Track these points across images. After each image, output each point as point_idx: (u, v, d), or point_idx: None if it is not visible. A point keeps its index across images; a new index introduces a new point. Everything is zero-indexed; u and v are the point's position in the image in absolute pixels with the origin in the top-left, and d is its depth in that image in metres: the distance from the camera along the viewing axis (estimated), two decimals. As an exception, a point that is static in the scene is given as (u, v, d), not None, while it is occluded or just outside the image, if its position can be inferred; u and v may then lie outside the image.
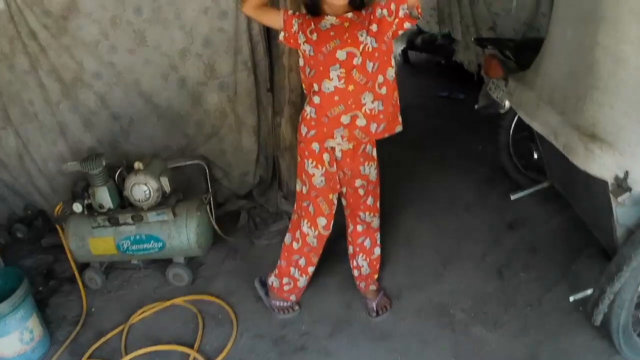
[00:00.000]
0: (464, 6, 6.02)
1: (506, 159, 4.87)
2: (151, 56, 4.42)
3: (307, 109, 3.27)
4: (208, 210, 4.24)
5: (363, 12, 3.15)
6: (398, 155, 5.25)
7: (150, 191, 3.91)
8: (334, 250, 4.01)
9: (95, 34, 4.28)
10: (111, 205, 4.01)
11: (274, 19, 3.25)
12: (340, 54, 3.08)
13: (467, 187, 5.12)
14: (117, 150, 4.65)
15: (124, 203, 4.08)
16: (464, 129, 6.22)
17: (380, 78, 3.15)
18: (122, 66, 4.42)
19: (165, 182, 3.98)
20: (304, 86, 3.37)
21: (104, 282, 4.30)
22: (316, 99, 3.19)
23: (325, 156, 3.33)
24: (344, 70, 3.09)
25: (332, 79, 3.11)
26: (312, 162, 3.34)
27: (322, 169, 3.35)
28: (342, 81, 3.10)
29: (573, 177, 3.19)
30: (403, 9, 3.02)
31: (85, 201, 4.02)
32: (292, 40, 3.23)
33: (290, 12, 3.23)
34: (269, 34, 4.51)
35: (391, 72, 3.20)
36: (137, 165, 3.91)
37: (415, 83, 7.83)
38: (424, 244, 4.39)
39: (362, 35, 3.07)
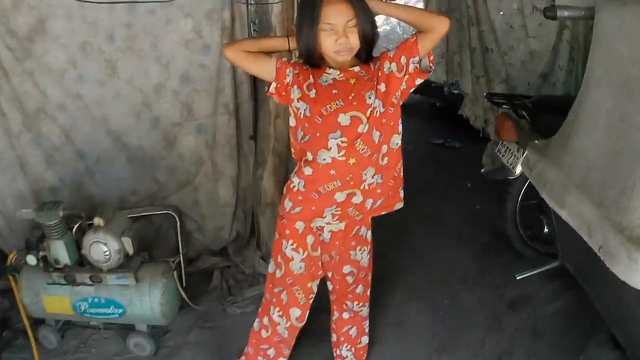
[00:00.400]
0: (476, 55, 5.45)
1: (511, 229, 4.37)
2: (122, 90, 3.93)
3: (295, 180, 2.75)
4: (175, 275, 3.73)
5: (371, 65, 2.65)
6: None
7: (110, 252, 3.43)
8: (314, 326, 3.50)
9: (63, 61, 3.80)
10: (68, 262, 3.52)
11: (263, 67, 2.69)
12: (343, 119, 2.57)
13: (464, 256, 4.63)
14: (81, 192, 4.16)
15: (82, 260, 3.61)
16: (459, 182, 5.74)
17: (384, 148, 2.67)
18: (90, 99, 3.93)
19: (127, 242, 3.48)
20: (292, 151, 2.86)
21: (60, 342, 3.81)
22: (307, 170, 2.67)
23: (310, 239, 2.82)
24: (346, 139, 2.57)
25: (331, 148, 2.59)
26: (292, 244, 2.82)
27: (303, 253, 2.83)
28: (343, 152, 2.58)
29: (595, 268, 2.67)
30: (413, 63, 2.56)
31: (41, 253, 3.53)
32: (283, 94, 2.69)
33: (284, 59, 2.70)
34: None
35: (396, 140, 2.72)
36: (97, 221, 3.42)
37: (406, 127, 7.13)
38: (416, 326, 3.88)
39: (370, 97, 2.57)
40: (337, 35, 2.49)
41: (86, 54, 3.80)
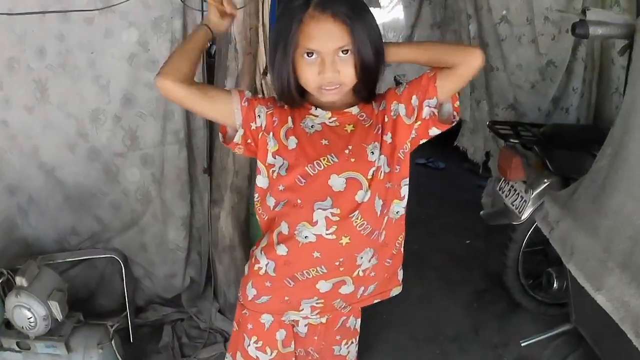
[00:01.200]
0: (478, 75, 4.58)
1: (511, 279, 3.74)
2: (54, 117, 3.29)
3: (262, 259, 2.00)
4: (114, 344, 3.11)
5: (374, 106, 1.93)
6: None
7: (35, 319, 2.87)
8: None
9: None
10: None
11: (219, 105, 1.88)
12: (337, 182, 1.85)
13: (454, 304, 3.97)
14: (14, 234, 3.53)
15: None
16: (446, 210, 5.11)
17: (384, 223, 1.95)
18: (17, 128, 3.31)
19: (55, 307, 2.90)
20: (258, 219, 2.05)
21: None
22: (281, 249, 1.94)
23: (280, 334, 2.10)
24: (339, 211, 1.85)
25: (317, 222, 1.86)
26: (256, 342, 2.10)
27: (271, 352, 2.11)
28: (333, 229, 1.85)
29: (620, 343, 2.14)
30: (429, 107, 1.86)
31: None
32: (249, 142, 1.91)
33: (248, 93, 1.92)
34: None
35: (397, 208, 1.98)
36: (20, 281, 2.88)
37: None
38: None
39: (373, 153, 1.86)
40: (321, 67, 1.76)
41: (13, 73, 3.19)
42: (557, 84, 4.18)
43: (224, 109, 1.87)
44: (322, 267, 1.90)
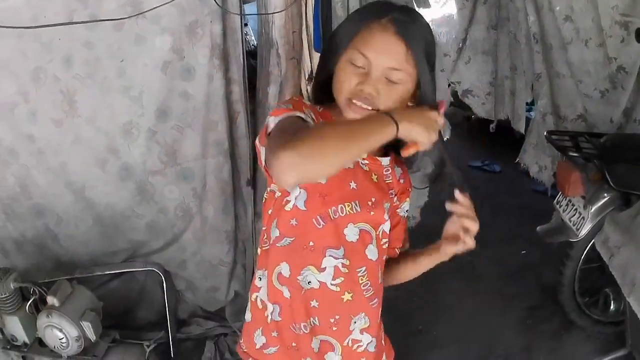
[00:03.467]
0: (541, 83, 4.03)
1: (567, 297, 3.43)
2: (82, 131, 2.96)
3: (268, 304, 1.67)
4: None
5: (396, 173, 1.67)
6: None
7: (67, 339, 2.69)
8: None
9: (11, 93, 2.86)
10: (26, 340, 2.84)
11: None
12: (352, 232, 1.57)
13: (506, 323, 3.61)
14: (46, 251, 3.23)
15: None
16: (501, 217, 4.68)
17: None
18: (44, 143, 2.97)
19: (88, 327, 2.71)
20: (257, 259, 1.73)
21: None
22: (286, 292, 1.63)
23: None
24: (349, 263, 1.58)
25: (324, 269, 1.58)
26: None
27: None
28: (339, 280, 1.59)
29: None
30: (404, 210, 1.75)
31: None
32: None
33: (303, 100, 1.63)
34: (255, 99, 3.10)
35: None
36: (51, 301, 2.69)
37: (437, 147, 6.23)
38: None
39: (387, 212, 1.63)
40: (364, 77, 1.46)
41: (39, 84, 2.85)
42: (628, 92, 3.67)
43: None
44: (316, 318, 1.62)
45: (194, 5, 2.76)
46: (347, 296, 1.59)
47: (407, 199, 1.70)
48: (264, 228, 1.68)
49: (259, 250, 1.70)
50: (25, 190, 3.05)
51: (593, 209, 3.09)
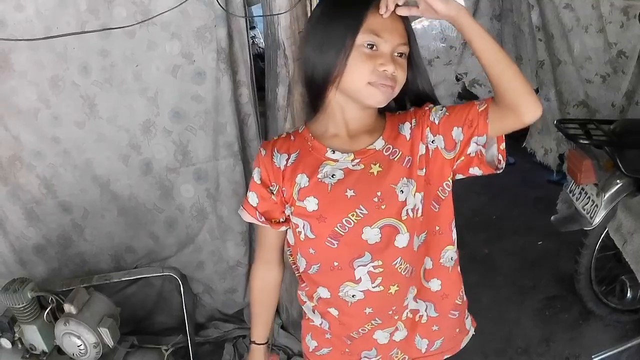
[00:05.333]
0: (544, 70, 4.03)
1: (584, 287, 3.33)
2: (105, 131, 3.00)
3: (316, 318, 1.70)
4: None
5: (400, 129, 1.53)
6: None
7: (86, 346, 2.66)
8: None
9: (33, 100, 2.91)
10: (45, 348, 2.78)
11: (277, 237, 1.67)
12: (370, 234, 1.49)
13: (524, 314, 3.52)
14: (70, 250, 3.25)
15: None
16: (517, 209, 4.60)
17: (429, 262, 1.61)
18: (69, 143, 3.01)
19: (106, 334, 2.67)
20: (295, 272, 1.74)
21: None
22: (333, 312, 1.63)
23: None
24: (381, 263, 1.51)
25: (360, 279, 1.53)
26: None
27: None
28: (379, 281, 1.53)
29: None
30: (477, 143, 1.44)
31: (16, 335, 2.78)
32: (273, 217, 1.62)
33: (252, 199, 1.60)
34: (265, 100, 3.02)
35: (452, 253, 1.63)
36: (68, 308, 2.66)
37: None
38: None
39: (403, 191, 1.48)
40: (384, 59, 1.41)
41: (58, 91, 2.90)
42: (629, 76, 3.61)
43: (278, 235, 1.66)
44: (377, 319, 1.59)
45: (200, 11, 2.75)
46: (393, 289, 1.54)
47: (436, 133, 1.48)
48: (290, 259, 1.70)
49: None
50: (51, 190, 3.09)
51: (606, 196, 2.99)
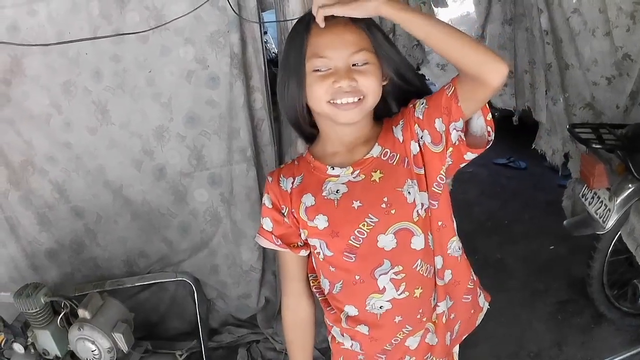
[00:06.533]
0: (552, 73, 3.91)
1: (597, 291, 3.25)
2: (117, 136, 2.94)
3: (346, 341, 1.65)
4: None
5: (394, 132, 1.49)
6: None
7: (100, 351, 2.64)
8: None
9: (45, 105, 2.86)
10: (58, 353, 2.75)
11: (299, 263, 1.66)
12: (385, 241, 1.47)
13: (537, 317, 3.44)
14: (83, 255, 3.20)
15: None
16: (529, 213, 4.48)
17: (439, 261, 1.56)
18: (81, 149, 2.96)
19: (120, 339, 2.64)
20: (321, 305, 1.69)
21: None
22: (362, 329, 1.58)
23: None
24: (402, 268, 1.49)
25: (384, 289, 1.50)
26: None
27: None
28: (403, 286, 1.51)
29: None
30: (457, 129, 1.38)
31: (29, 340, 2.75)
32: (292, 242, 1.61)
33: (267, 224, 1.61)
34: (276, 104, 2.94)
35: (458, 243, 1.60)
36: (82, 313, 2.63)
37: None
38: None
39: (410, 192, 1.46)
40: (335, 76, 1.37)
41: (70, 96, 2.85)
42: (634, 79, 3.56)
43: (300, 262, 1.64)
44: (407, 326, 1.56)
45: (214, 16, 2.69)
46: (417, 292, 1.52)
47: (422, 127, 1.43)
48: (313, 285, 1.68)
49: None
50: (63, 195, 3.04)
51: (618, 200, 2.93)
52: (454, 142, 1.39)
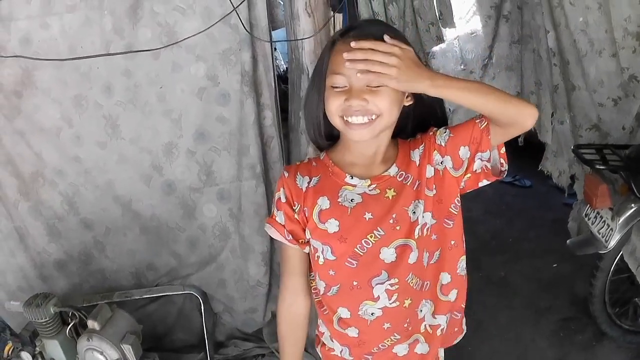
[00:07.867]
0: (559, 95, 3.86)
1: (598, 309, 3.25)
2: (127, 152, 2.90)
3: (335, 346, 1.71)
4: None
5: (412, 156, 1.56)
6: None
7: None
8: None
9: (55, 118, 2.83)
10: None
11: (303, 260, 1.68)
12: (387, 254, 1.53)
13: (540, 334, 3.42)
14: (91, 267, 3.16)
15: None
16: (533, 232, 4.44)
17: (446, 277, 1.63)
18: (91, 163, 2.92)
19: (129, 350, 2.59)
20: (315, 305, 1.72)
21: None
22: (352, 332, 1.63)
23: None
24: (397, 280, 1.54)
25: (378, 297, 1.56)
26: None
27: None
28: (395, 297, 1.56)
29: None
30: (482, 159, 1.49)
31: (37, 349, 2.72)
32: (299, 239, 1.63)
33: (280, 217, 1.61)
34: (287, 123, 3.01)
35: (464, 262, 1.65)
36: (91, 324, 2.58)
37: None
38: None
39: (415, 212, 1.52)
40: (348, 94, 1.41)
41: (81, 110, 2.81)
42: (638, 100, 3.56)
43: (303, 258, 1.66)
44: (395, 334, 1.62)
45: (226, 34, 2.65)
46: (407, 302, 1.57)
47: (444, 154, 1.52)
48: (313, 282, 1.69)
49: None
50: (73, 207, 3.00)
51: (621, 220, 2.91)
52: (474, 170, 1.49)
